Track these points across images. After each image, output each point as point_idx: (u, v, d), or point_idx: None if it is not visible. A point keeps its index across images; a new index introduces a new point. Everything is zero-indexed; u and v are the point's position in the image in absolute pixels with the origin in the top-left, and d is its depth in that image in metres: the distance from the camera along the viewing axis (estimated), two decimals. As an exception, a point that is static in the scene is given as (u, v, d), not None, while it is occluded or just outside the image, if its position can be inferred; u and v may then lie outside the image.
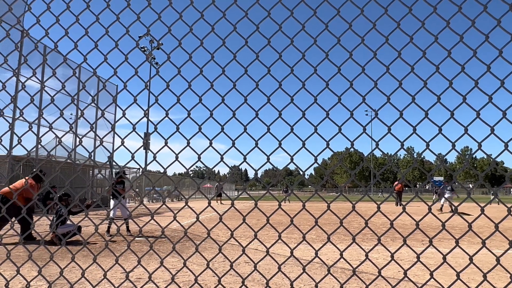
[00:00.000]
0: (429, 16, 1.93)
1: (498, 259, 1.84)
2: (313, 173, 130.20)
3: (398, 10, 2.07)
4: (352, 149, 2.00)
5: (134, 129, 2.04)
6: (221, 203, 31.93)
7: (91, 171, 28.55)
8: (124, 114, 2.06)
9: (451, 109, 1.87)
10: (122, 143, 2.04)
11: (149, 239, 10.05)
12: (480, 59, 1.86)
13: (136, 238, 9.44)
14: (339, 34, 2.02)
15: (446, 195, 18.99)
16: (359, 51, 2.07)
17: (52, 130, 2.25)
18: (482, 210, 1.83)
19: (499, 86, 1.81)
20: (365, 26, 2.03)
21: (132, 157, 2.05)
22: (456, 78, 1.89)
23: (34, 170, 9.76)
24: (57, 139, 2.32)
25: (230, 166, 2.27)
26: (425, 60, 1.94)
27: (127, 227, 11.00)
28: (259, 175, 2.07)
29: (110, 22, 2.12)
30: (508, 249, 1.88)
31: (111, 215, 10.71)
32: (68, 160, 20.77)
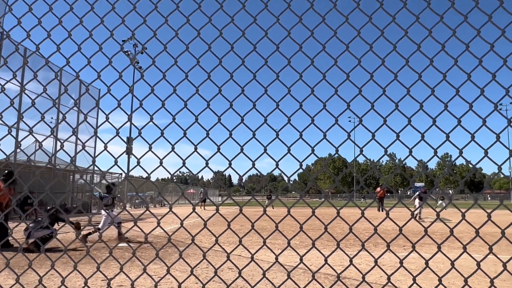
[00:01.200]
0: (412, 24, 1.97)
1: (478, 264, 1.88)
2: (296, 178, 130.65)
3: (382, 18, 2.11)
4: (336, 155, 2.01)
5: (117, 133, 2.01)
6: (204, 208, 31.70)
7: (71, 176, 28.04)
8: (107, 119, 2.03)
9: (433, 116, 1.91)
10: (105, 147, 2.01)
11: (131, 245, 9.90)
12: (461, 68, 1.91)
13: (118, 245, 9.29)
14: (324, 41, 2.04)
15: (417, 202, 19.08)
16: (344, 58, 2.09)
17: (33, 134, 2.20)
18: (463, 216, 1.86)
19: (479, 95, 1.86)
20: (350, 33, 2.06)
21: (115, 162, 2.01)
22: (438, 86, 1.93)
23: (5, 172, 9.34)
24: (37, 144, 2.27)
25: (214, 171, 2.26)
26: (408, 68, 1.98)
27: (120, 232, 10.86)
28: (243, 181, 2.07)
29: (94, 25, 2.10)
30: (488, 254, 1.92)
31: (100, 226, 10.64)
32: (49, 165, 20.34)
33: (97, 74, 2.02)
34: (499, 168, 1.82)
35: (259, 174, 2.20)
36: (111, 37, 2.03)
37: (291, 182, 2.09)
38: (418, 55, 2.00)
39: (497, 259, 1.97)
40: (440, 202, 21.81)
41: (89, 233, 10.48)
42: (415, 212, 18.74)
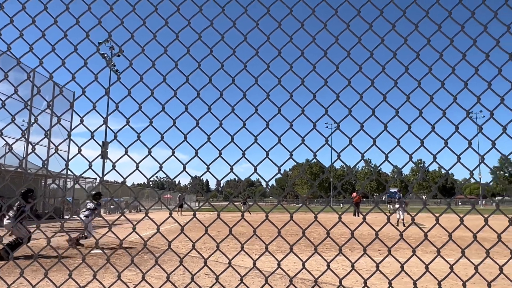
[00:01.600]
0: (388, 32, 2.02)
1: (451, 267, 1.92)
2: (274, 184, 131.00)
3: (359, 26, 2.15)
4: (314, 160, 2.03)
5: (92, 136, 1.96)
6: (181, 214, 31.33)
7: (43, 181, 27.20)
8: (82, 121, 1.98)
9: (408, 122, 1.95)
10: (79, 151, 1.96)
11: (105, 251, 9.67)
12: (435, 75, 1.96)
13: (92, 251, 9.07)
14: (303, 47, 2.06)
15: (396, 207, 19.41)
16: (322, 64, 2.11)
17: (2, 137, 2.12)
18: (437, 220, 1.91)
19: (452, 102, 1.91)
20: (328, 40, 2.08)
21: (90, 166, 1.96)
22: (413, 93, 1.98)
23: None
24: (7, 147, 2.19)
25: (192, 176, 2.23)
26: (384, 75, 2.02)
27: (80, 240, 10.79)
28: (221, 185, 2.05)
29: (69, 26, 2.04)
30: (460, 257, 1.97)
31: (89, 232, 10.52)
32: (19, 169, 19.67)
33: (71, 76, 1.96)
34: (471, 173, 1.87)
35: (237, 179, 2.19)
36: (87, 38, 1.99)
37: (269, 188, 2.09)
38: (394, 63, 2.05)
39: (467, 262, 2.02)
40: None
41: (79, 238, 10.34)
42: (397, 217, 19.05)
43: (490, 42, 1.94)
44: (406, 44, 1.97)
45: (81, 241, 10.88)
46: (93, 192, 12.32)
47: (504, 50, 1.92)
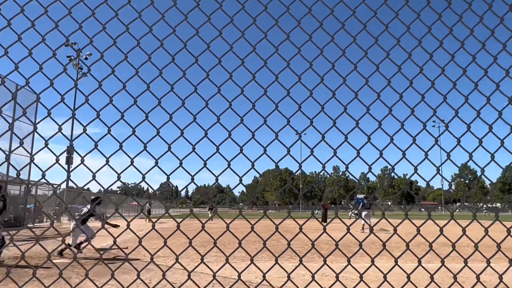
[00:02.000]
0: (349, 45, 2.06)
1: (408, 276, 1.96)
2: (244, 190, 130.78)
3: (321, 37, 2.18)
4: (283, 168, 2.03)
5: (46, 145, 1.87)
6: (149, 221, 30.70)
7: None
8: (35, 129, 1.89)
9: (368, 133, 1.99)
10: (32, 160, 1.87)
11: (57, 264, 9.30)
12: (394, 88, 2.02)
13: (46, 263, 8.69)
14: (266, 57, 2.07)
15: (364, 213, 19.61)
16: (284, 75, 2.13)
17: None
18: (395, 230, 1.95)
19: (409, 114, 1.97)
20: (291, 51, 2.10)
21: (43, 176, 1.87)
22: (373, 105, 2.03)
23: None
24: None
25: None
26: (345, 86, 2.05)
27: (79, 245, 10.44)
28: (189, 193, 2.01)
29: (25, 28, 1.95)
30: (417, 266, 2.01)
31: (89, 236, 10.07)
32: (-24, 175, 18.69)
33: (25, 81, 1.87)
34: (427, 183, 1.93)
35: (206, 185, 2.15)
36: (43, 42, 1.91)
37: (238, 194, 2.07)
38: (355, 75, 2.09)
39: (427, 267, 2.07)
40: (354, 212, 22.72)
41: (80, 243, 9.89)
42: (363, 223, 19.32)
43: (446, 57, 2.01)
44: (366, 57, 2.02)
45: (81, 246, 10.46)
46: (92, 197, 11.85)
47: (459, 65, 2.00)
